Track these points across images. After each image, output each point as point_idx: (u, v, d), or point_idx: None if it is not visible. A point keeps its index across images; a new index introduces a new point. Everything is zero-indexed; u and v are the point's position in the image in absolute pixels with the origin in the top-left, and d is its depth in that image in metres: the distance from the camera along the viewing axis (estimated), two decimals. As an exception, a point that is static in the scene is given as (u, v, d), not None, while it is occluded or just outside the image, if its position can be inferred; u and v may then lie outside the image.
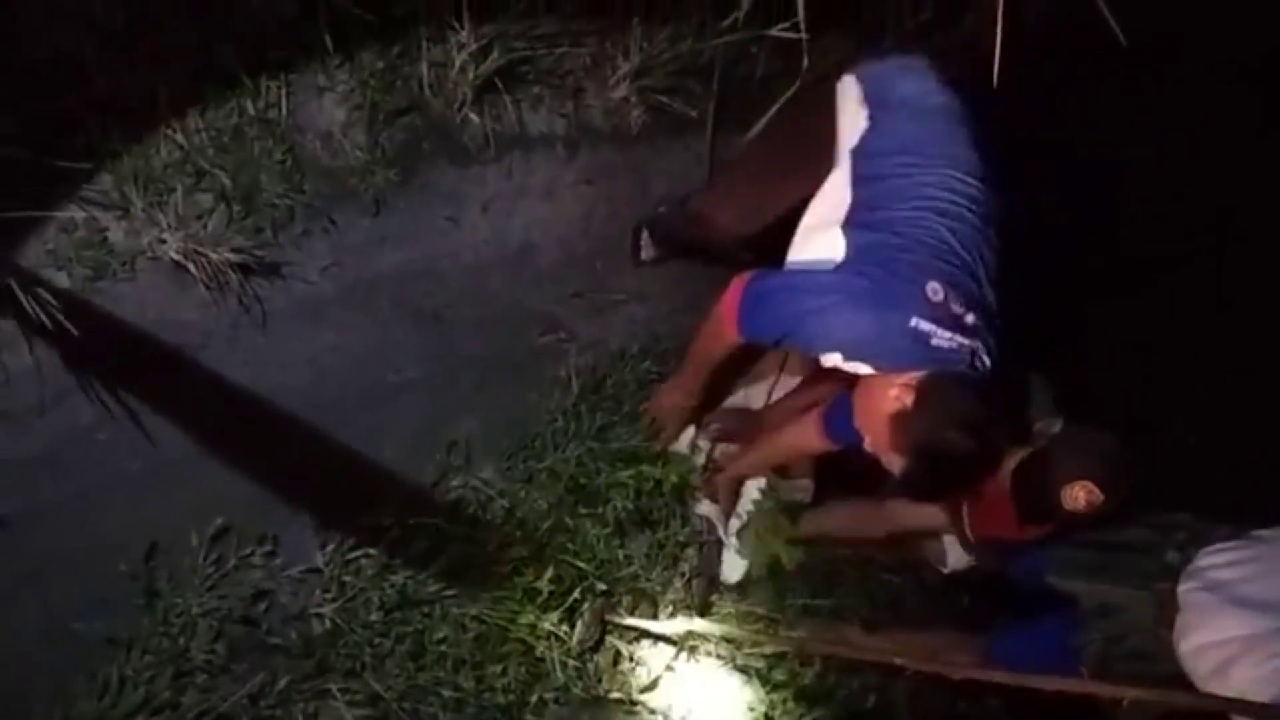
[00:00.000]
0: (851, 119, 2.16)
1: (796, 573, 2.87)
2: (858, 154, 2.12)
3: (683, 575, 2.70)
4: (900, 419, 1.99)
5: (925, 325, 1.94)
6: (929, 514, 2.83)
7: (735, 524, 2.84)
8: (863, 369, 2.03)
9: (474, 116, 2.30)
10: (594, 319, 2.78)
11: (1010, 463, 2.52)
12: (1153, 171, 3.63)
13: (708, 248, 2.66)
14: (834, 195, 2.13)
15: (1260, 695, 1.98)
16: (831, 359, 2.05)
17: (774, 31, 2.29)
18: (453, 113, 2.27)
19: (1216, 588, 2.29)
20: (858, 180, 2.10)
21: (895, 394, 2.00)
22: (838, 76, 2.23)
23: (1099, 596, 2.59)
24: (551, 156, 2.52)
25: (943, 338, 1.97)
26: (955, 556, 3.01)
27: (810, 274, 2.06)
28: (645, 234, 2.78)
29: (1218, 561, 2.34)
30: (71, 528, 1.99)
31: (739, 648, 2.70)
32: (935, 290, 1.95)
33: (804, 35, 1.58)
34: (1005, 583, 3.05)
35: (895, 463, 2.05)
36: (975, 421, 1.97)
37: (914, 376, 1.99)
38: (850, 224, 2.05)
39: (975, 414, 1.98)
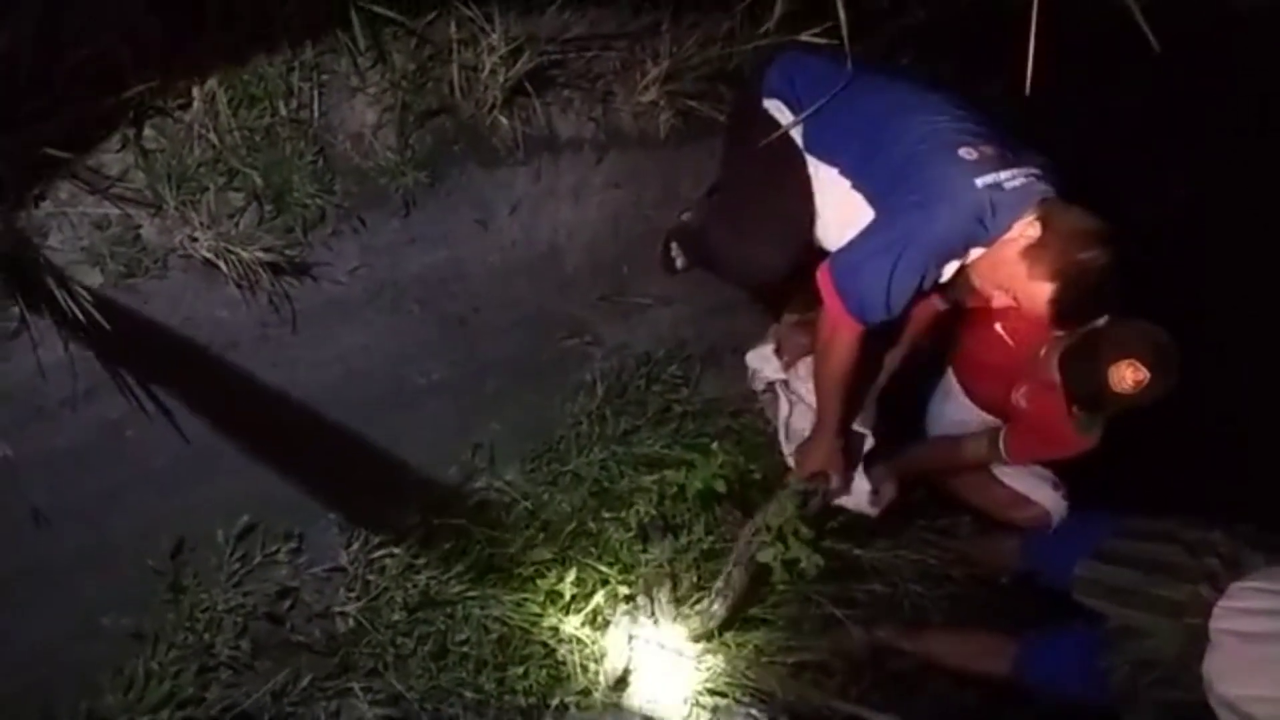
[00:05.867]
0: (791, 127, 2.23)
1: (821, 579, 2.84)
2: (810, 147, 2.19)
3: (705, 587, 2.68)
4: (1032, 252, 2.02)
5: (989, 178, 1.98)
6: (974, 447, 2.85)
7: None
8: (976, 255, 2.08)
9: (503, 119, 2.30)
10: (619, 323, 2.78)
11: (1057, 351, 2.55)
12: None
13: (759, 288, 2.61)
14: (827, 184, 2.19)
15: None
16: (950, 272, 2.11)
17: (806, 37, 2.27)
18: (482, 115, 2.27)
19: (1250, 639, 2.26)
20: (829, 159, 2.17)
21: (1016, 235, 2.02)
22: (751, 103, 2.29)
23: (1125, 620, 2.55)
24: (580, 160, 2.52)
25: (1009, 178, 2.00)
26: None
27: (870, 229, 2.10)
28: (674, 245, 2.77)
29: (1252, 606, 2.30)
30: (100, 522, 2.01)
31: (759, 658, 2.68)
32: (968, 152, 2.00)
33: (845, 41, 1.56)
34: (1037, 589, 3.03)
35: (1043, 294, 2.05)
36: (1104, 232, 2.01)
37: (1026, 219, 2.01)
38: (854, 184, 2.12)
39: (1101, 225, 2.01)
